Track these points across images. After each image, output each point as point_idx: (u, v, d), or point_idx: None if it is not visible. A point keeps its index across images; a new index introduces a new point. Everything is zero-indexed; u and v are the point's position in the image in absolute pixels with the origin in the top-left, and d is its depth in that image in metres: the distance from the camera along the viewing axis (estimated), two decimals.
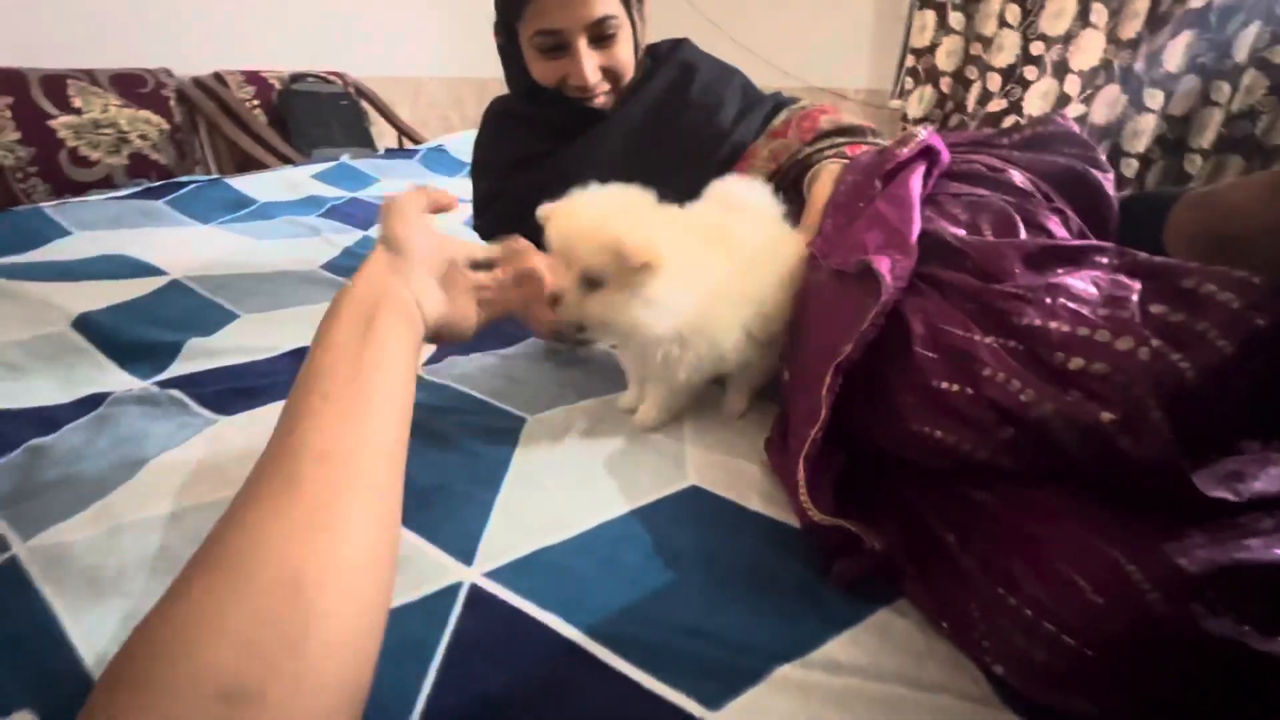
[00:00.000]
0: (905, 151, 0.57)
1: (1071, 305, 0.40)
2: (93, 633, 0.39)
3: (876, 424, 0.46)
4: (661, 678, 0.36)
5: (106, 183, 1.58)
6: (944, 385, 0.42)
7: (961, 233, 0.50)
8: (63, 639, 0.38)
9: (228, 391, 0.64)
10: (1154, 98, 1.94)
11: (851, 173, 0.63)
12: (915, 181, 0.54)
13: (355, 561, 0.28)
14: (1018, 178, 0.57)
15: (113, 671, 0.24)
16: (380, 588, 0.30)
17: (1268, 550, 0.31)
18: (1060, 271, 0.43)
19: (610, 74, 0.79)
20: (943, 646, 0.39)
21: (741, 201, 0.61)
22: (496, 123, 0.92)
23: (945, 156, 0.59)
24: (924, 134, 0.61)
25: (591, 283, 0.48)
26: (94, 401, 0.62)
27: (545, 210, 0.52)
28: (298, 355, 0.75)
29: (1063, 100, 2.11)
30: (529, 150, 0.86)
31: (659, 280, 0.47)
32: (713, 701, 0.35)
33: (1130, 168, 2.03)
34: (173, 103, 1.75)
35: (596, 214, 0.49)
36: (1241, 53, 1.78)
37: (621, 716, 0.35)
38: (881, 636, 0.39)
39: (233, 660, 0.24)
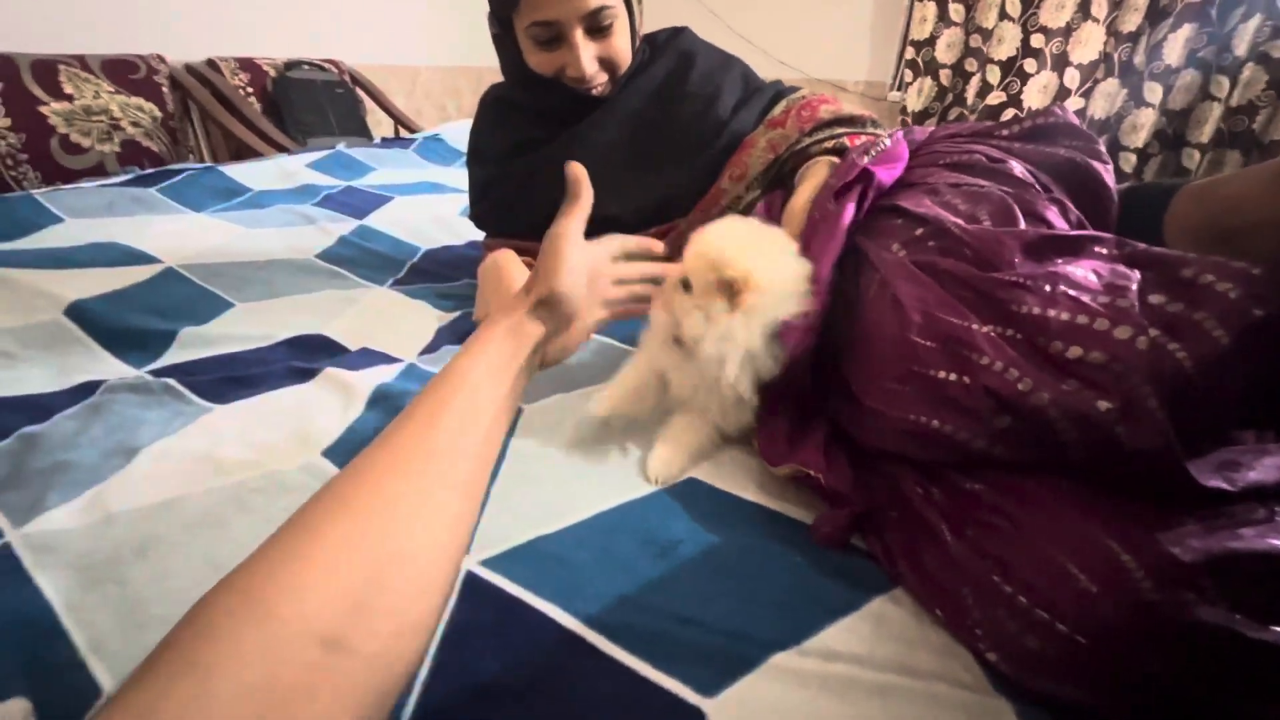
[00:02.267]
0: (838, 179, 0.58)
1: (1072, 293, 0.39)
2: (86, 621, 0.38)
3: (871, 417, 0.46)
4: (658, 665, 0.36)
5: (98, 170, 1.57)
6: (941, 374, 0.42)
7: (960, 222, 0.50)
8: (56, 626, 0.38)
9: (222, 380, 0.64)
10: (1153, 92, 1.94)
11: (825, 191, 0.61)
12: (848, 211, 0.54)
13: (445, 551, 0.32)
14: (1017, 169, 0.56)
15: (223, 587, 0.25)
16: (454, 580, 0.32)
17: (1261, 539, 0.31)
18: (1060, 261, 0.43)
19: (607, 64, 0.78)
20: (937, 635, 0.39)
21: None
22: (493, 110, 0.91)
23: (886, 179, 0.57)
24: (887, 141, 0.61)
25: (685, 285, 0.52)
26: (87, 389, 0.61)
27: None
28: (292, 344, 0.74)
29: (1062, 93, 2.11)
30: (526, 137, 0.86)
31: (727, 314, 0.50)
32: (709, 689, 0.35)
33: (1128, 162, 2.03)
34: (166, 90, 1.74)
35: (719, 234, 0.53)
36: (1241, 47, 1.78)
37: (618, 703, 0.35)
38: (876, 625, 0.40)
39: (341, 613, 0.25)
